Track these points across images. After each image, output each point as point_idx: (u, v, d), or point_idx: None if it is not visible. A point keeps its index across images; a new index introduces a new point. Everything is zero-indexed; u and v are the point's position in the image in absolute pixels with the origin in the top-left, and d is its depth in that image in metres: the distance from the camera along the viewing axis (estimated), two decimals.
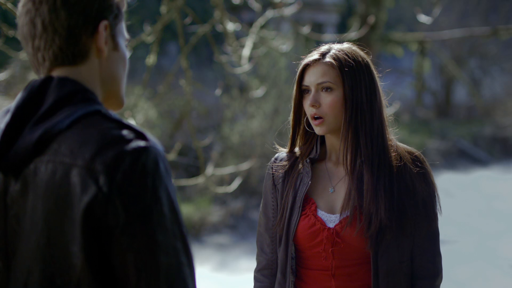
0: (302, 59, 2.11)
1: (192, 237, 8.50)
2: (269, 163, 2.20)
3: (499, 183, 12.23)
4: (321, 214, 2.04)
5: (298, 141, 2.16)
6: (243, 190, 9.52)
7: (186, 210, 8.85)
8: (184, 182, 5.56)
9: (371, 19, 5.62)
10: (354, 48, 2.08)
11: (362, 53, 2.07)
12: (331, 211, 2.04)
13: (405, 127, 15.12)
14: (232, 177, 6.78)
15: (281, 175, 2.14)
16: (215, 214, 9.33)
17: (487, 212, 9.88)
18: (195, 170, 9.65)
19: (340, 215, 2.02)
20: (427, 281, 2.04)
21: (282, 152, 2.19)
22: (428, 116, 18.77)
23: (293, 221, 2.04)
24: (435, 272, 2.06)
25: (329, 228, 2.01)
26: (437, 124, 17.73)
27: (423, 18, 5.73)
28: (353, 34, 5.64)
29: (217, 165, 7.51)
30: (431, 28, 13.85)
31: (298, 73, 2.08)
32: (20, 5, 1.35)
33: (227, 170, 5.64)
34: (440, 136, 16.13)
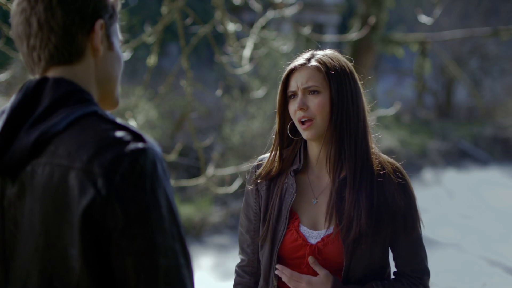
0: (292, 62, 2.10)
1: (192, 238, 8.49)
2: (251, 168, 2.19)
3: (500, 184, 12.23)
4: (304, 230, 2.05)
5: (283, 146, 2.14)
6: (243, 190, 9.51)
7: (187, 211, 8.84)
8: (185, 182, 5.56)
9: (372, 20, 5.62)
10: (337, 54, 2.10)
11: (345, 59, 2.09)
12: (313, 227, 2.05)
13: (406, 127, 15.11)
14: (233, 177, 6.77)
15: (264, 182, 2.14)
16: (216, 214, 9.32)
17: (488, 213, 9.87)
18: (196, 170, 9.65)
19: (323, 231, 2.02)
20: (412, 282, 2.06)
21: (266, 157, 2.18)
22: (429, 116, 18.77)
23: (279, 235, 2.05)
24: (419, 281, 2.07)
25: (311, 245, 2.02)
26: (437, 124, 17.73)
27: (424, 19, 5.72)
28: (354, 34, 5.63)
29: (218, 165, 7.50)
30: (432, 29, 13.85)
31: (283, 79, 2.08)
32: (14, 4, 1.34)
33: (228, 170, 5.63)
34: (441, 137, 16.13)
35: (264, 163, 2.16)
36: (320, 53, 2.08)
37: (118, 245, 1.20)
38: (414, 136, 14.64)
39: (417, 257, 2.07)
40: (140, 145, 1.23)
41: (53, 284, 1.23)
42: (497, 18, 18.56)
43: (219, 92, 5.42)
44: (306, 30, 5.19)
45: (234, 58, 5.17)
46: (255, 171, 2.17)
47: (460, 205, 10.14)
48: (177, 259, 1.23)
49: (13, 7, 1.34)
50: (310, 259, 1.98)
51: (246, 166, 5.58)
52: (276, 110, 2.11)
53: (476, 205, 10.38)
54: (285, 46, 5.61)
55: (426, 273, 2.08)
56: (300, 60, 2.07)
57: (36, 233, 1.24)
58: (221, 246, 8.52)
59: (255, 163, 2.20)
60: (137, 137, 1.24)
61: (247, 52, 4.80)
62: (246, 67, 4.78)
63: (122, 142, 1.22)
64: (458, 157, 15.05)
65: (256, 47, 5.18)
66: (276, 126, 2.14)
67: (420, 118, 18.32)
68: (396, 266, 2.10)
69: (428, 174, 12.77)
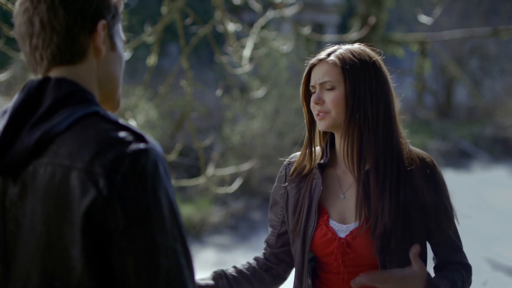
0: (305, 59, 2.12)
1: (192, 238, 8.49)
2: (282, 166, 2.20)
3: (500, 184, 12.22)
4: (333, 224, 2.04)
5: (314, 142, 2.14)
6: (243, 190, 9.52)
7: (187, 211, 8.84)
8: (185, 182, 5.56)
9: (372, 20, 5.62)
10: (363, 48, 2.08)
11: (371, 53, 2.06)
12: (342, 220, 2.04)
13: (406, 127, 15.10)
14: (232, 177, 6.77)
15: (294, 178, 2.14)
16: (216, 214, 9.32)
17: (488, 213, 9.87)
18: (196, 170, 9.65)
19: (352, 225, 2.02)
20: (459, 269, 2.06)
21: (296, 155, 2.19)
22: (429, 116, 18.78)
23: (309, 230, 2.05)
24: (464, 269, 2.07)
25: (340, 238, 2.02)
26: (437, 124, 17.74)
27: (424, 19, 5.73)
28: (353, 34, 5.63)
29: (218, 165, 7.50)
30: (431, 29, 13.85)
31: (305, 74, 2.09)
32: (17, 3, 1.34)
33: (228, 170, 5.63)
34: (441, 137, 16.14)
35: (296, 160, 2.16)
36: (343, 48, 2.07)
37: (119, 245, 1.20)
38: (414, 136, 14.65)
39: (458, 251, 2.07)
40: (141, 145, 1.23)
41: (54, 284, 1.23)
42: (497, 18, 18.57)
43: (219, 92, 5.42)
44: (306, 30, 5.18)
45: (234, 58, 5.17)
46: (285, 169, 2.18)
47: (460, 205, 10.13)
48: (178, 259, 1.22)
49: (16, 6, 1.34)
50: (413, 252, 1.87)
51: (246, 166, 5.56)
52: (302, 106, 2.13)
53: (476, 205, 10.37)
54: (285, 46, 5.61)
55: (468, 263, 2.09)
56: (321, 55, 2.07)
57: (37, 233, 1.24)
58: (221, 246, 8.52)
59: (286, 161, 2.20)
60: (139, 137, 1.24)
61: (247, 52, 4.80)
62: (246, 67, 4.78)
63: (123, 142, 1.22)
64: (458, 157, 15.06)
65: (256, 47, 5.17)
66: (306, 123, 2.14)
67: (420, 118, 18.31)
68: (437, 258, 2.08)
69: None
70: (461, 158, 15.05)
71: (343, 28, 17.83)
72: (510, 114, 17.49)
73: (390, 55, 13.17)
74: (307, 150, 2.13)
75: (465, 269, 2.07)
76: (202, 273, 2.22)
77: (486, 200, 10.81)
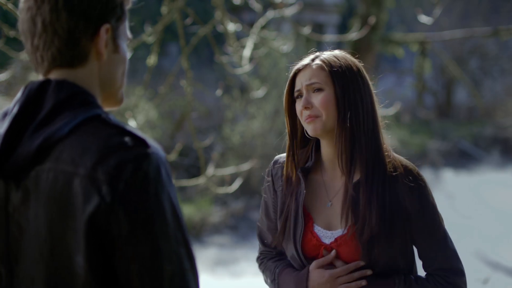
0: (298, 63, 2.12)
1: (192, 238, 8.50)
2: (268, 167, 2.20)
3: (500, 184, 12.22)
4: (318, 230, 2.05)
5: (296, 149, 2.13)
6: (243, 190, 9.52)
7: (187, 211, 8.85)
8: (185, 182, 5.55)
9: (372, 20, 5.62)
10: (345, 54, 2.11)
11: (353, 59, 2.09)
12: (328, 227, 2.05)
13: (406, 127, 15.11)
14: (232, 177, 6.77)
15: (280, 181, 2.14)
16: (216, 214, 9.33)
17: (488, 213, 9.87)
18: (196, 170, 9.65)
19: (337, 232, 2.03)
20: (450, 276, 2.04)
21: (282, 156, 2.18)
22: (429, 116, 18.78)
23: (298, 236, 2.06)
24: (446, 279, 2.04)
25: (325, 245, 2.03)
26: (437, 124, 17.74)
27: (424, 19, 5.73)
28: (353, 34, 5.63)
29: (218, 165, 7.50)
30: (432, 29, 13.84)
31: (289, 80, 2.10)
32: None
33: (228, 170, 5.63)
34: (441, 137, 16.14)
35: (282, 163, 2.16)
36: (326, 53, 2.09)
37: (123, 251, 1.19)
38: (414, 136, 14.64)
39: (442, 257, 2.04)
40: (143, 150, 1.22)
41: None
42: (497, 18, 18.56)
43: (219, 92, 5.42)
44: (306, 30, 5.18)
45: (234, 58, 5.17)
46: (271, 171, 2.18)
47: (460, 205, 10.13)
48: (182, 264, 1.22)
49: (21, 2, 1.33)
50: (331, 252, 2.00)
51: (246, 166, 5.57)
52: (284, 112, 2.12)
53: (476, 205, 10.37)
54: (285, 46, 5.61)
55: (454, 272, 2.04)
56: (305, 60, 2.09)
57: (41, 238, 1.23)
58: (221, 245, 8.52)
59: (271, 163, 2.20)
60: (141, 142, 1.23)
61: (247, 52, 4.80)
62: (246, 67, 4.78)
63: (125, 147, 1.21)
64: (458, 157, 15.06)
65: (256, 47, 5.17)
66: (286, 129, 2.13)
67: (420, 118, 18.32)
68: (422, 267, 2.09)
69: (428, 174, 12.78)
70: (461, 158, 15.05)
71: (343, 28, 17.84)
72: (510, 114, 17.49)
73: (390, 55, 13.16)
74: (289, 157, 2.12)
75: (449, 280, 2.03)
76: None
77: (486, 200, 10.81)
